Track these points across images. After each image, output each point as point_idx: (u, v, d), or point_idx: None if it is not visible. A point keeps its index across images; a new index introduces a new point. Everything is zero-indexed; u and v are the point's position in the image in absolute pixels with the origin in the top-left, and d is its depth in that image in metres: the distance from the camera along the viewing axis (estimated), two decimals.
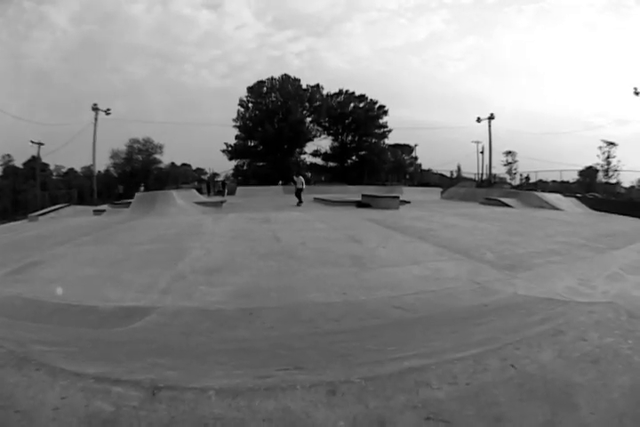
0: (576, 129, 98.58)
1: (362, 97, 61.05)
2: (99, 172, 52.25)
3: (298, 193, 25.33)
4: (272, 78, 58.83)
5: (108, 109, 45.06)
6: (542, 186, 42.57)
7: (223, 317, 4.93)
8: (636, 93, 39.33)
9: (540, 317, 3.41)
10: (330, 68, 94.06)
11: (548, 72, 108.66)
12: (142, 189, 39.87)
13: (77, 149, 70.86)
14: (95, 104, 44.27)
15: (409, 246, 8.96)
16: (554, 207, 20.15)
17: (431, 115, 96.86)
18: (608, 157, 52.87)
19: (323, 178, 59.55)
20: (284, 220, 14.66)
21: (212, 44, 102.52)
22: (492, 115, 50.12)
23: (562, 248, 9.09)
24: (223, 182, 43.83)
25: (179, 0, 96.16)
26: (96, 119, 43.95)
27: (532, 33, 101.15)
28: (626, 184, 49.21)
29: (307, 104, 58.99)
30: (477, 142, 55.81)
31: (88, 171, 54.48)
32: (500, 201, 21.98)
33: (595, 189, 44.23)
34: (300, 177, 26.30)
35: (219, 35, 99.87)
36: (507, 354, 2.14)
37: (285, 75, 59.06)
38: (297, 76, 59.63)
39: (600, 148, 53.36)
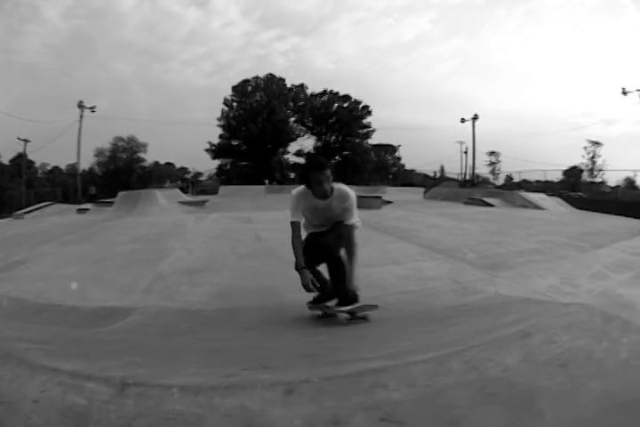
0: (562, 129, 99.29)
1: (346, 97, 61.57)
2: (83, 170, 52.03)
3: None
4: (257, 77, 59.30)
5: (93, 107, 44.91)
6: (526, 186, 43.06)
7: (203, 317, 4.95)
8: (624, 93, 39.66)
9: (515, 317, 3.44)
10: (315, 68, 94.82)
11: (535, 72, 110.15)
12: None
13: (63, 147, 70.72)
14: (81, 101, 44.11)
15: (390, 246, 9.01)
16: (537, 207, 20.36)
17: (416, 115, 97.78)
18: (593, 157, 53.81)
19: None
20: (266, 219, 14.68)
21: (199, 41, 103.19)
22: (476, 115, 50.68)
23: (544, 247, 9.17)
24: (192, 182, 43.87)
25: None
26: (81, 117, 43.91)
27: (520, 34, 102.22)
28: (611, 183, 49.85)
29: (291, 104, 59.62)
30: (461, 143, 56.50)
31: (73, 169, 54.26)
32: (482, 201, 22.15)
33: (579, 189, 44.94)
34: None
35: (205, 32, 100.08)
36: (471, 356, 2.16)
37: (270, 74, 59.69)
38: (282, 76, 60.88)
39: (585, 148, 54.22)
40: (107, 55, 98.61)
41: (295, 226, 4.60)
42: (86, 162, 57.45)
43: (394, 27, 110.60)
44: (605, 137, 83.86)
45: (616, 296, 6.25)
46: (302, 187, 4.65)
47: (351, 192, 4.75)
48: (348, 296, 4.57)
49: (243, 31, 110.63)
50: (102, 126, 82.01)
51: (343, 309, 4.58)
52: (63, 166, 66.86)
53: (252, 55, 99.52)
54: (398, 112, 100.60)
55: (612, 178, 51.38)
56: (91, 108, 44.72)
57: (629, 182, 49.23)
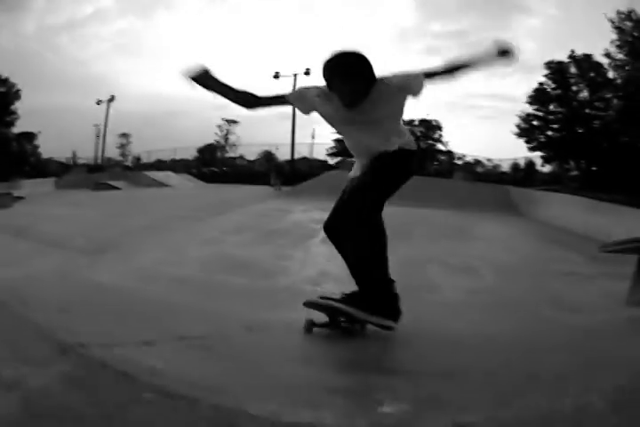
0: (202, 108, 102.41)
1: (5, 80, 52.54)
2: None
3: None
4: None
5: None
6: (160, 165, 44.09)
7: None
8: (276, 77, 42.75)
9: None
10: None
11: (194, 56, 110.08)
12: None
13: None
14: None
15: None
16: (163, 184, 21.33)
17: (63, 97, 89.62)
18: (227, 134, 57.89)
19: None
20: None
21: None
22: (112, 97, 49.48)
23: (158, 223, 9.55)
24: None
25: None
26: None
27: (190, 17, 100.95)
28: (251, 157, 54.68)
29: None
30: (97, 125, 54.29)
31: None
32: (109, 184, 21.77)
33: (215, 164, 48.21)
34: None
35: None
36: None
37: None
38: None
39: (219, 126, 58.03)
40: None
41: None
42: None
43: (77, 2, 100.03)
44: (250, 116, 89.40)
45: (227, 256, 7.01)
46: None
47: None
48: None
49: None
50: None
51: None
52: None
53: None
54: (51, 96, 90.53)
55: (252, 151, 55.67)
56: None
57: (269, 154, 54.13)
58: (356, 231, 2.99)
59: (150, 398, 1.24)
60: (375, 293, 3.05)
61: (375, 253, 3.04)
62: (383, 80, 2.96)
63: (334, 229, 3.27)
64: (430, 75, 3.02)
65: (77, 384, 1.33)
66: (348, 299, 3.06)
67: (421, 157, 54.00)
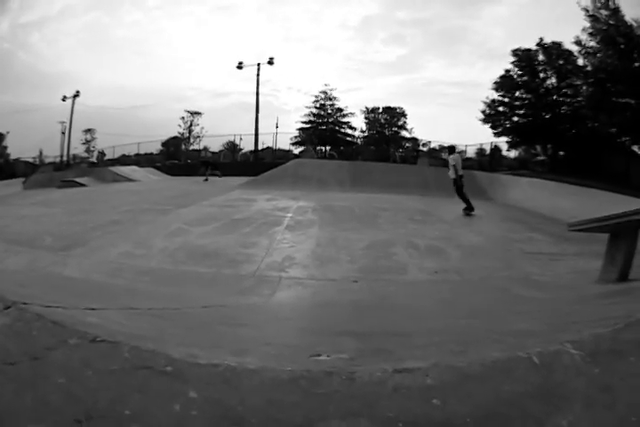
0: (166, 101, 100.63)
1: None
2: None
3: None
4: None
5: None
6: (126, 160, 43.37)
7: None
8: (240, 67, 41.86)
9: None
10: None
11: (158, 49, 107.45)
12: None
13: None
14: None
15: None
16: (128, 179, 21.16)
17: (32, 96, 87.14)
18: (190, 126, 56.72)
19: None
20: None
21: None
22: (77, 92, 47.85)
23: (124, 217, 9.55)
24: None
25: None
26: None
27: (155, 11, 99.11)
28: (216, 148, 53.82)
29: None
30: (62, 122, 52.96)
31: None
32: (75, 181, 21.39)
33: (179, 157, 47.55)
34: None
35: None
36: None
37: None
38: None
39: (183, 118, 56.91)
40: None
41: None
42: None
43: None
44: (212, 108, 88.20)
45: (193, 245, 6.99)
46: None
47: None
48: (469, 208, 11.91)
49: None
50: None
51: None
52: None
53: None
54: (16, 94, 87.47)
55: (216, 143, 54.60)
56: None
57: (233, 145, 53.48)
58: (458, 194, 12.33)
59: (75, 342, 1.36)
60: (466, 207, 11.97)
61: (464, 199, 12.12)
62: (450, 156, 12.87)
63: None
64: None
65: (14, 333, 1.42)
66: (463, 210, 11.99)
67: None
